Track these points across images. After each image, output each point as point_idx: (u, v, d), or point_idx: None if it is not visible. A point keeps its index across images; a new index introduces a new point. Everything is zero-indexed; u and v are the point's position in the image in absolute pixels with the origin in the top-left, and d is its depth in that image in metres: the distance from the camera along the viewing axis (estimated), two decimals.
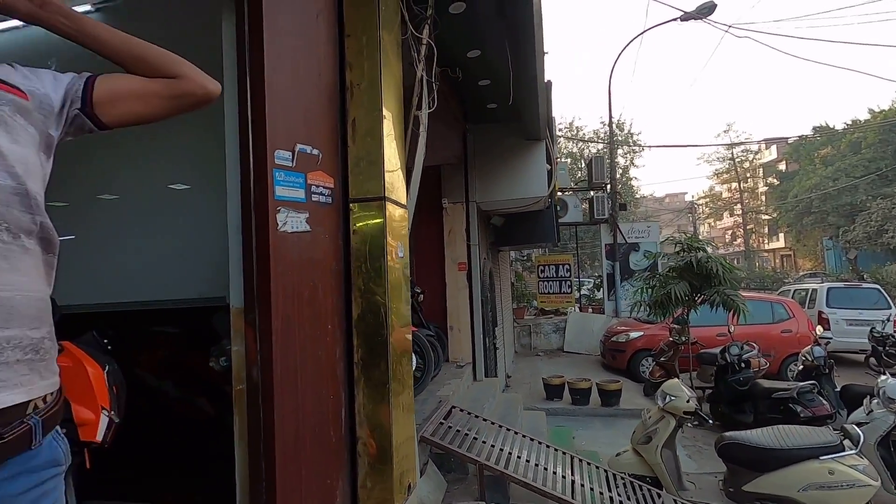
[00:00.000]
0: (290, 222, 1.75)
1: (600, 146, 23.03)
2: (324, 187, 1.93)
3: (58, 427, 0.82)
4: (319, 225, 1.88)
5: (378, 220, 2.03)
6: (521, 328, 11.26)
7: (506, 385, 7.27)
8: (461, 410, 3.73)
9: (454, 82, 4.00)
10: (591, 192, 12.04)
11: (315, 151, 1.89)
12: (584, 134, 24.05)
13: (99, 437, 1.28)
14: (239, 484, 1.65)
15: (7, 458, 0.69)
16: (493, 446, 3.25)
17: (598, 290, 13.99)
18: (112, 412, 1.34)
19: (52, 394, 0.79)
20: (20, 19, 0.81)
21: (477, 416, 3.71)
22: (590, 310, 12.75)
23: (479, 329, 5.59)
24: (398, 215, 2.18)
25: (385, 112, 2.09)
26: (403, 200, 2.27)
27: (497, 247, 8.02)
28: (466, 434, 3.29)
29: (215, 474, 1.79)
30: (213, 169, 1.88)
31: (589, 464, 3.50)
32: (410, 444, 2.23)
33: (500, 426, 3.67)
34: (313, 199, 1.87)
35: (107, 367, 1.37)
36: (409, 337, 2.29)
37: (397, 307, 2.10)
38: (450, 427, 3.32)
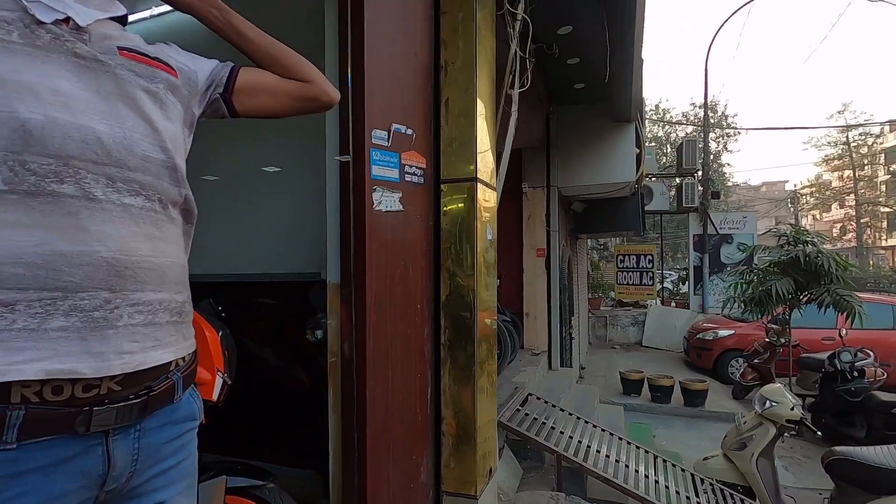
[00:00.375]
0: (385, 202, 1.77)
1: (690, 129, 21.44)
2: (417, 167, 1.93)
3: (193, 384, 0.87)
4: (412, 205, 1.89)
5: (468, 202, 2.01)
6: (596, 319, 10.89)
7: (579, 376, 7.08)
8: (537, 398, 3.67)
9: (540, 62, 3.86)
10: (679, 179, 11.26)
11: (409, 131, 1.89)
12: (671, 116, 22.52)
13: (215, 397, 1.38)
14: (332, 452, 1.72)
15: (155, 409, 0.75)
16: (570, 437, 3.17)
17: (683, 284, 13.16)
18: (225, 374, 1.43)
19: (190, 354, 0.85)
20: (177, 7, 0.86)
21: (554, 406, 3.63)
22: (672, 304, 12.04)
23: (556, 317, 5.46)
24: (488, 197, 2.14)
25: (478, 91, 2.05)
26: (493, 182, 2.22)
27: (576, 234, 7.77)
28: (543, 423, 3.23)
29: (311, 439, 1.88)
30: (311, 151, 1.94)
31: (674, 465, 3.31)
32: (492, 428, 2.22)
33: (578, 418, 3.57)
34: (406, 178, 1.88)
35: (221, 333, 1.47)
36: (494, 321, 2.27)
37: (484, 291, 2.08)
38: (526, 414, 3.28)
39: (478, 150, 2.01)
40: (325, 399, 1.75)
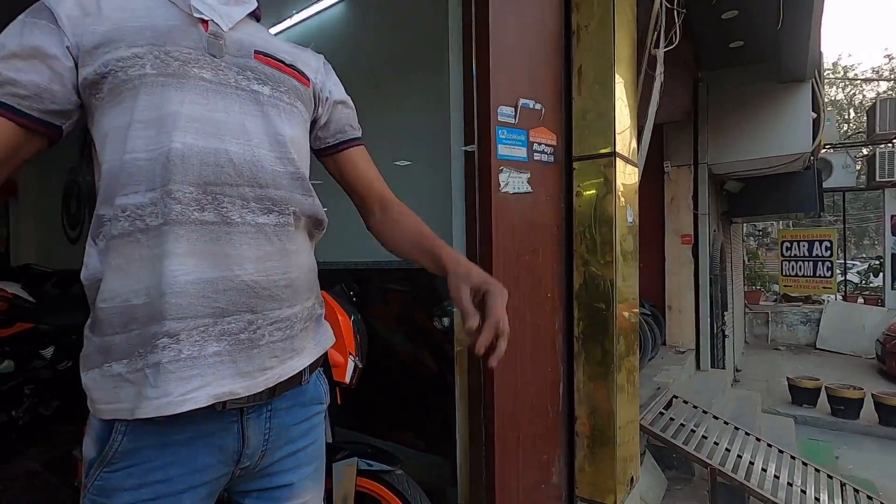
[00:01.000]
0: (512, 183, 1.65)
1: (884, 87, 17.50)
2: (546, 144, 1.78)
3: (320, 369, 0.87)
4: (541, 186, 1.75)
5: (604, 181, 1.80)
6: (754, 315, 9.50)
7: (734, 380, 6.23)
8: (684, 402, 3.27)
9: (685, 23, 3.37)
10: (869, 149, 9.23)
11: (538, 106, 1.75)
12: (855, 75, 18.61)
13: (347, 379, 1.41)
14: (459, 441, 1.68)
15: (284, 391, 0.76)
16: (727, 450, 2.75)
17: (875, 276, 10.85)
18: (357, 358, 1.46)
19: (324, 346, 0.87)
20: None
21: (705, 412, 3.20)
22: (859, 300, 10.00)
23: (706, 312, 4.84)
24: (629, 174, 1.91)
25: (616, 56, 1.82)
26: (634, 157, 1.97)
27: (730, 217, 6.81)
28: (692, 430, 2.86)
29: (440, 425, 1.87)
30: (438, 138, 1.89)
31: (869, 498, 2.69)
32: (633, 431, 1.99)
33: (736, 428, 3.10)
34: (535, 157, 1.74)
35: (353, 317, 1.50)
36: (635, 315, 2.03)
37: (624, 279, 1.86)
38: (672, 419, 2.93)
39: (616, 122, 1.79)
40: (452, 386, 1.71)
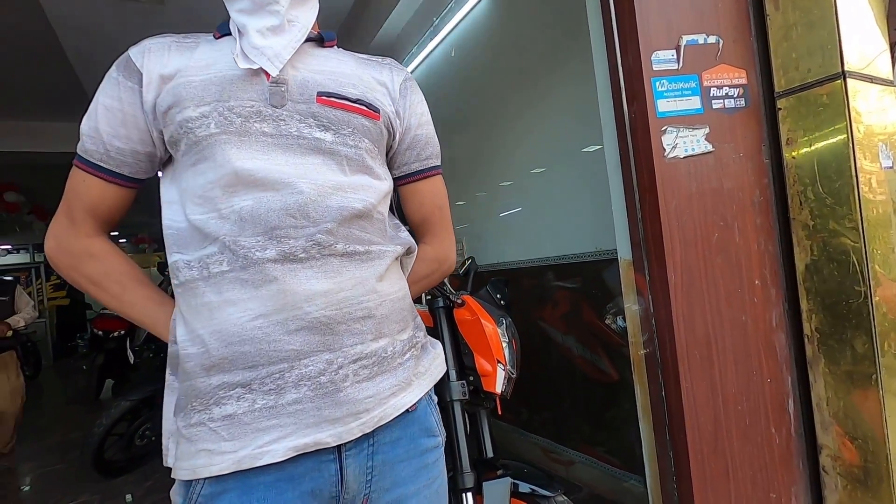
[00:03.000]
0: (682, 144, 1.31)
1: None
2: (730, 86, 1.37)
3: (431, 395, 0.79)
4: (726, 141, 1.35)
5: (834, 113, 1.28)
6: None
7: None
8: None
9: None
10: None
11: (712, 39, 1.35)
12: None
13: (498, 389, 1.31)
14: (647, 464, 1.40)
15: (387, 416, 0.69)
16: None
17: None
18: (508, 367, 1.34)
19: (437, 375, 0.81)
20: None
21: None
22: None
23: None
24: (874, 99, 1.32)
25: None
26: (883, 73, 1.37)
27: None
28: None
29: (623, 437, 1.61)
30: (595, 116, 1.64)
31: None
32: None
33: None
34: (714, 105, 1.35)
35: (502, 322, 1.39)
36: None
37: (881, 251, 1.29)
38: None
39: (840, 29, 1.26)
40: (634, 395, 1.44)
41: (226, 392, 0.62)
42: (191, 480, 0.63)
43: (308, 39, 0.71)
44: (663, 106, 1.31)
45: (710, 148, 1.32)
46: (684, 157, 1.31)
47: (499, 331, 1.37)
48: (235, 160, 0.63)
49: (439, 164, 0.85)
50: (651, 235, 1.31)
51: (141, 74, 0.66)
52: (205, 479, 0.62)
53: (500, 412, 1.42)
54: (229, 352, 0.61)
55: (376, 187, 0.72)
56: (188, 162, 0.67)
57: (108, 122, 0.67)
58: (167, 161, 0.72)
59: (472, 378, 1.35)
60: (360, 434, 0.65)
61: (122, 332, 5.24)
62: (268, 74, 0.66)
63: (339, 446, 0.65)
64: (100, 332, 5.17)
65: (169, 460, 0.67)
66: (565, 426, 2.11)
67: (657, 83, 1.30)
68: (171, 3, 2.97)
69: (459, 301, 1.37)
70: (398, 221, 0.83)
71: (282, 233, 0.63)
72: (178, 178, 0.69)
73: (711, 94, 1.35)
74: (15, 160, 5.27)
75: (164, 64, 0.66)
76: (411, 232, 0.85)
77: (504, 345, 1.36)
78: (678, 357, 1.27)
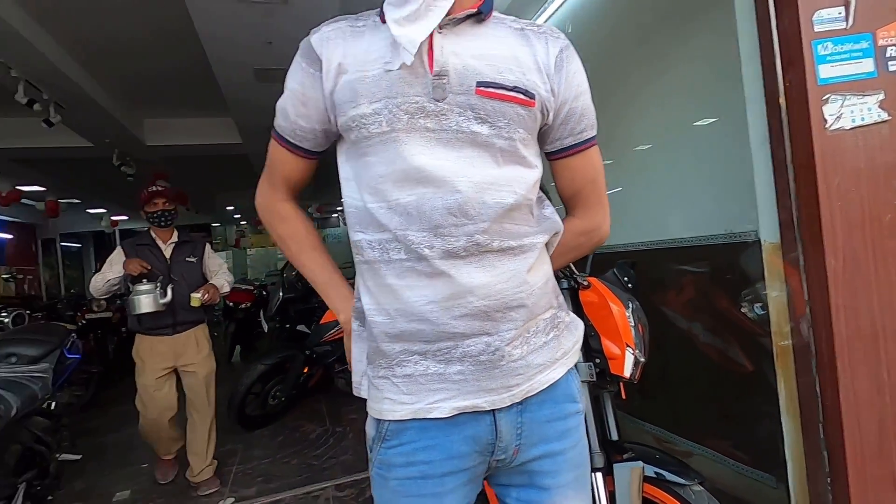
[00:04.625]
0: (848, 113, 1.17)
1: None
2: None
3: (573, 368, 0.83)
4: None
5: None
6: None
7: None
8: None
9: None
10: None
11: None
12: None
13: (626, 373, 1.29)
14: (790, 465, 1.30)
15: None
16: None
17: None
18: (636, 351, 1.31)
19: (578, 349, 0.85)
20: None
21: None
22: None
23: None
24: None
25: None
26: None
27: None
28: None
29: (766, 436, 1.51)
30: (731, 87, 1.51)
31: None
32: None
33: None
34: (891, 67, 1.18)
35: (630, 306, 1.36)
36: None
37: None
38: None
39: None
40: (775, 390, 1.34)
41: (406, 357, 0.73)
42: (379, 419, 0.77)
43: (467, 16, 0.72)
44: (826, 72, 1.17)
45: (884, 116, 1.17)
46: (851, 129, 1.17)
47: (627, 314, 1.34)
48: (404, 157, 0.70)
49: (594, 134, 0.82)
50: (806, 217, 1.20)
51: (321, 62, 0.74)
52: (389, 419, 0.75)
53: (623, 396, 1.40)
54: (409, 327, 0.72)
55: (527, 177, 0.75)
56: (360, 152, 0.74)
57: (293, 104, 0.77)
58: (341, 138, 0.80)
59: (598, 360, 1.34)
60: (510, 403, 0.74)
61: (250, 305, 5.89)
62: (431, 67, 0.70)
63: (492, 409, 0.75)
64: (231, 304, 5.87)
65: (362, 392, 0.81)
66: (684, 416, 2.02)
67: (819, 46, 1.17)
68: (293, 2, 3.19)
69: (585, 283, 1.36)
70: (542, 194, 0.83)
71: (444, 231, 0.70)
72: (352, 161, 0.77)
73: (888, 55, 1.18)
74: (165, 152, 6.05)
75: (341, 53, 0.73)
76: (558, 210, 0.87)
77: (632, 328, 1.33)
78: (836, 350, 1.16)
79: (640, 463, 1.19)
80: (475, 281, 0.70)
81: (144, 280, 2.43)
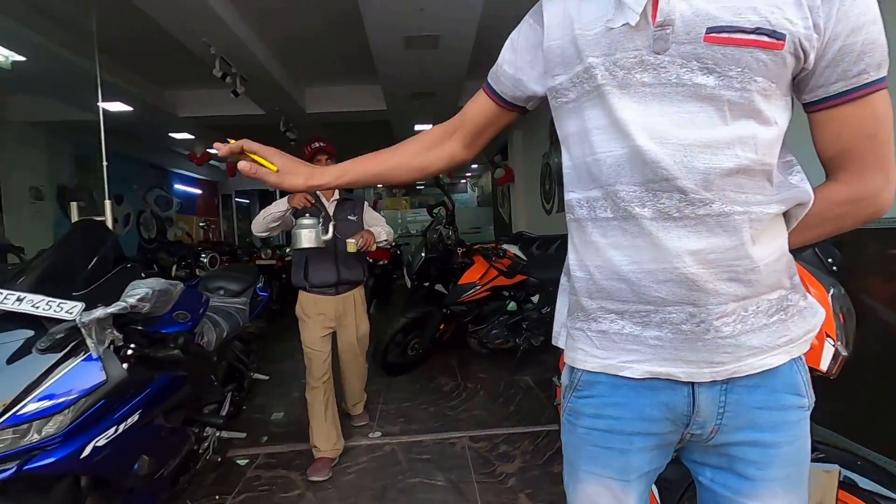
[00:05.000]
0: None
1: None
2: None
3: (801, 357, 0.74)
4: None
5: None
6: None
7: None
8: None
9: None
10: None
11: None
12: None
13: (823, 367, 1.14)
14: None
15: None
16: None
17: None
18: (838, 343, 1.15)
19: (809, 338, 0.75)
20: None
21: None
22: None
23: None
24: None
25: None
26: None
27: None
28: None
29: None
30: None
31: None
32: None
33: None
34: None
35: (832, 291, 1.19)
36: None
37: None
38: None
39: None
40: None
41: (603, 314, 0.73)
42: (573, 367, 0.79)
43: None
44: None
45: None
46: None
47: (828, 299, 1.18)
48: (614, 113, 0.67)
49: (880, 77, 0.65)
50: None
51: (543, 19, 0.76)
52: (581, 369, 0.77)
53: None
54: (608, 285, 0.72)
55: (761, 137, 0.66)
56: (571, 110, 0.74)
57: (506, 50, 0.82)
58: (554, 100, 0.80)
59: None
60: (710, 380, 0.69)
61: (387, 262, 6.38)
62: (654, 18, 0.65)
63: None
64: (371, 261, 6.41)
65: (559, 342, 0.84)
66: (880, 426, 1.74)
67: None
68: None
69: None
70: (792, 159, 0.73)
71: (656, 186, 0.66)
72: (563, 121, 0.77)
73: None
74: (321, 118, 6.67)
75: (562, 12, 0.74)
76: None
77: (836, 317, 1.17)
78: None
79: (837, 467, 1.07)
80: (685, 246, 0.65)
81: (307, 214, 2.37)
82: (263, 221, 2.42)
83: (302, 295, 2.54)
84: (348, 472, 2.36)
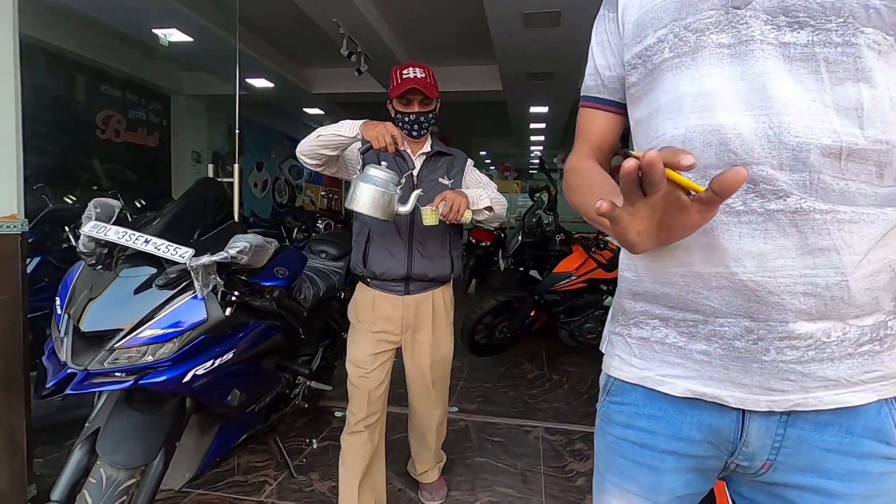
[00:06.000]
0: None
1: None
2: None
3: (892, 400, 0.58)
4: None
5: None
6: None
7: None
8: None
9: None
10: None
11: None
12: None
13: None
14: None
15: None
16: None
17: None
18: None
19: None
20: None
21: None
22: None
23: None
24: None
25: None
26: None
27: None
28: None
29: None
30: None
31: None
32: None
33: None
34: None
35: None
36: None
37: None
38: None
39: None
40: None
41: (645, 319, 0.65)
42: (607, 374, 0.72)
43: None
44: None
45: None
46: None
47: None
48: (680, 85, 0.59)
49: None
50: None
51: (617, 3, 0.69)
52: (615, 377, 0.70)
53: None
54: (653, 288, 0.63)
55: (869, 107, 0.51)
56: (638, 92, 0.66)
57: (600, 56, 0.73)
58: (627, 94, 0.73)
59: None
60: (766, 409, 0.58)
61: (489, 244, 6.38)
62: None
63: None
64: (473, 241, 6.46)
65: (603, 346, 0.76)
66: None
67: None
68: None
69: None
70: None
71: (715, 173, 0.55)
72: (632, 104, 0.69)
73: None
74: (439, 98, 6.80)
75: None
76: None
77: None
78: None
79: None
80: (746, 247, 0.54)
81: (384, 164, 1.60)
82: (312, 142, 1.56)
83: (359, 288, 1.76)
84: None
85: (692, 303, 0.59)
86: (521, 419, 2.75)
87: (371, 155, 1.66)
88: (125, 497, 1.27)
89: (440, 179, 1.72)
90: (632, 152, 0.44)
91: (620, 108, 0.73)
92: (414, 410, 1.88)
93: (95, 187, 5.08)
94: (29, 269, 2.10)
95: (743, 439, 0.60)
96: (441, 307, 1.75)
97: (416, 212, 1.55)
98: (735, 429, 0.60)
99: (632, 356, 0.67)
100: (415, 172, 1.68)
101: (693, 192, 0.45)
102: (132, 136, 6.14)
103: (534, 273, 3.74)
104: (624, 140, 0.78)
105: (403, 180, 1.51)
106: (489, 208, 1.63)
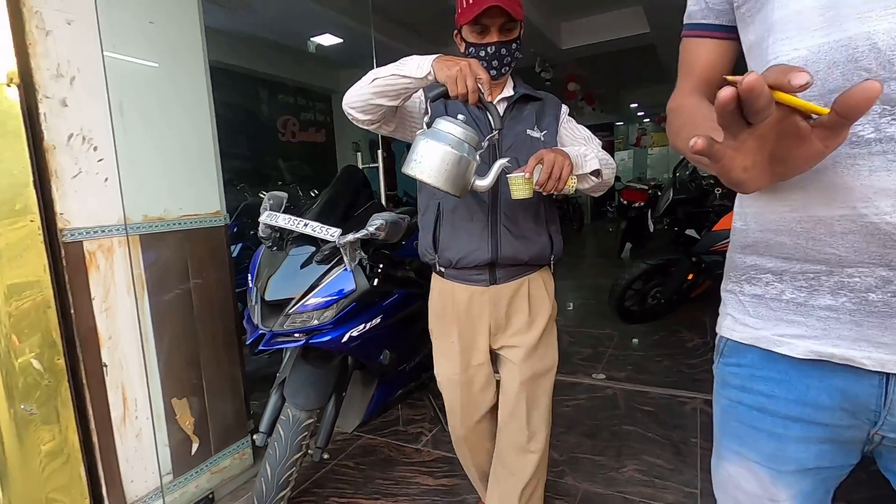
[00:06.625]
0: None
1: None
2: None
3: None
4: None
5: None
6: None
7: None
8: None
9: None
10: None
11: None
12: None
13: None
14: None
15: None
16: None
17: None
18: None
19: None
20: None
21: None
22: None
23: None
24: None
25: None
26: None
27: None
28: None
29: None
30: None
31: None
32: None
33: None
34: None
35: None
36: None
37: None
38: None
39: None
40: None
41: (756, 273, 0.58)
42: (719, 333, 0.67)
43: None
44: None
45: None
46: None
47: None
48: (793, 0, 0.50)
49: None
50: None
51: None
52: (727, 338, 0.64)
53: None
54: (764, 237, 0.56)
55: None
56: (750, 10, 0.58)
57: None
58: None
59: None
60: None
61: (643, 204, 5.90)
62: None
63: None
64: (625, 202, 6.03)
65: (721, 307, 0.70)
66: None
67: None
68: None
69: None
70: None
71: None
72: (743, 33, 0.61)
73: None
74: (576, 54, 6.42)
75: None
76: None
77: None
78: None
79: None
80: (879, 183, 0.45)
81: (459, 116, 1.03)
82: (365, 87, 1.11)
83: (435, 280, 1.37)
84: (565, 405, 2.47)
85: (813, 252, 0.52)
86: (676, 389, 2.57)
87: (440, 105, 1.21)
88: (306, 433, 1.56)
89: (528, 131, 1.23)
90: (728, 77, 0.39)
91: (731, 33, 0.64)
92: (499, 450, 1.33)
93: (280, 182, 6.03)
94: (234, 254, 2.63)
95: (887, 406, 0.52)
96: (539, 297, 1.28)
97: (500, 179, 1.13)
98: (877, 395, 0.52)
99: (745, 315, 0.61)
100: (495, 119, 1.08)
101: (813, 116, 0.39)
102: (305, 135, 7.10)
103: (691, 232, 3.39)
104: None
105: (486, 143, 1.09)
106: (597, 172, 1.19)
